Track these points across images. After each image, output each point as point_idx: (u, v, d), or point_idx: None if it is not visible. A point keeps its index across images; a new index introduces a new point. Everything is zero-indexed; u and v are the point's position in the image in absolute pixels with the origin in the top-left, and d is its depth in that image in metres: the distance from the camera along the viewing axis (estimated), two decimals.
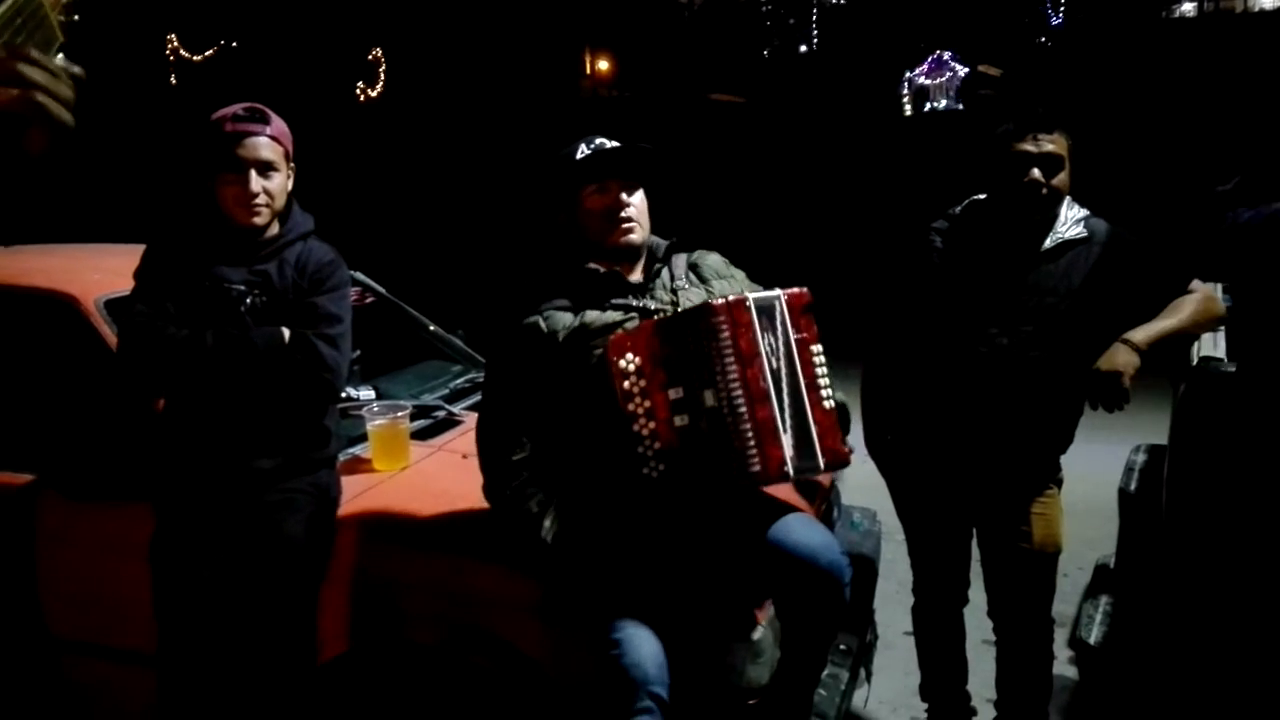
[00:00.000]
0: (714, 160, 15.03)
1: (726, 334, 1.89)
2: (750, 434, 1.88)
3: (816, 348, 2.01)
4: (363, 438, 2.54)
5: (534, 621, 2.00)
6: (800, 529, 1.96)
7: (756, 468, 1.88)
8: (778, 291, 2.00)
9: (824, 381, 2.01)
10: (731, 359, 1.89)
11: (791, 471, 1.92)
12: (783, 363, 1.95)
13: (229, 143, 2.13)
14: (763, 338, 1.93)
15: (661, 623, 1.91)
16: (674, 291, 2.11)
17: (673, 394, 1.92)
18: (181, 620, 2.11)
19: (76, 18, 0.94)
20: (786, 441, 1.92)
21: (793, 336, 1.98)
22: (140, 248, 2.24)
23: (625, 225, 2.07)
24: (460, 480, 2.31)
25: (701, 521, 2.00)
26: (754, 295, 1.97)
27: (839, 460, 2.02)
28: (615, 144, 2.09)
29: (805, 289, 2.04)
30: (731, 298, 1.93)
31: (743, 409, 1.88)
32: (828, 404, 2.01)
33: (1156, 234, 2.36)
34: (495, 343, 2.14)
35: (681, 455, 1.91)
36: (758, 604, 2.10)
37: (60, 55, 0.91)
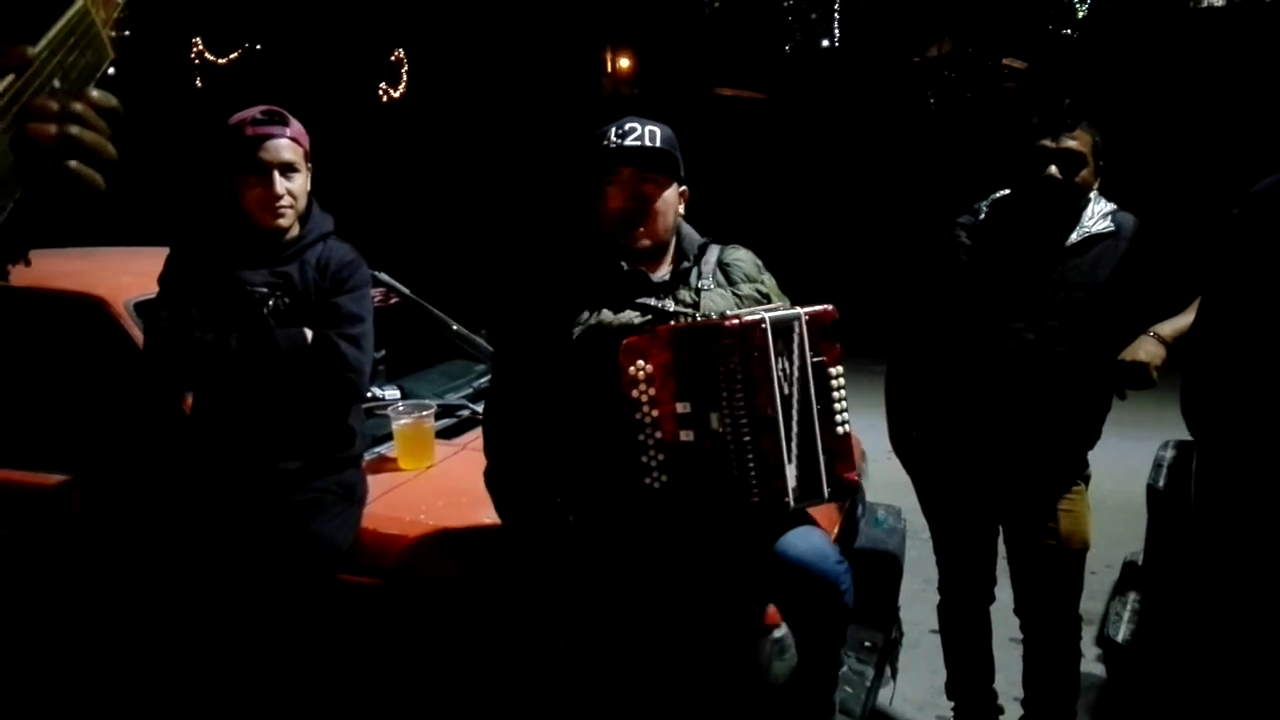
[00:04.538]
0: (735, 157, 14.99)
1: (736, 358, 1.83)
2: (752, 463, 1.84)
3: (835, 369, 1.94)
4: (388, 437, 2.57)
5: (557, 618, 2.01)
6: (796, 539, 1.93)
7: (756, 498, 1.85)
8: (798, 311, 1.92)
9: (839, 406, 1.95)
10: (739, 384, 1.83)
11: (792, 502, 1.88)
12: (795, 388, 1.88)
13: (251, 146, 2.14)
14: (776, 362, 1.85)
15: (674, 618, 1.92)
16: (697, 291, 2.03)
17: (680, 407, 1.87)
18: (211, 620, 2.13)
19: (128, 33, 0.94)
20: (790, 472, 1.87)
21: (810, 360, 1.90)
22: (167, 250, 2.26)
23: (634, 229, 1.98)
24: None
25: (704, 530, 1.96)
26: (772, 315, 1.87)
27: (845, 489, 1.97)
28: (638, 131, 1.97)
29: (831, 306, 1.95)
30: (747, 318, 1.85)
31: (746, 437, 1.83)
32: (841, 429, 1.95)
33: (1184, 228, 2.33)
34: (507, 328, 2.09)
35: (684, 470, 1.88)
36: (768, 603, 2.09)
37: (111, 70, 0.91)
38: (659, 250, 2.06)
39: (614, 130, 1.99)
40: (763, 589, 2.02)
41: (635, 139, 1.96)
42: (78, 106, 0.83)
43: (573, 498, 2.04)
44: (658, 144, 1.98)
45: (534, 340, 2.00)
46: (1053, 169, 2.23)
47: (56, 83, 0.83)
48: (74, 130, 0.82)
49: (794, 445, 1.88)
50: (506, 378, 2.09)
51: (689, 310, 2.00)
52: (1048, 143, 2.24)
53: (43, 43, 0.83)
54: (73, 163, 0.82)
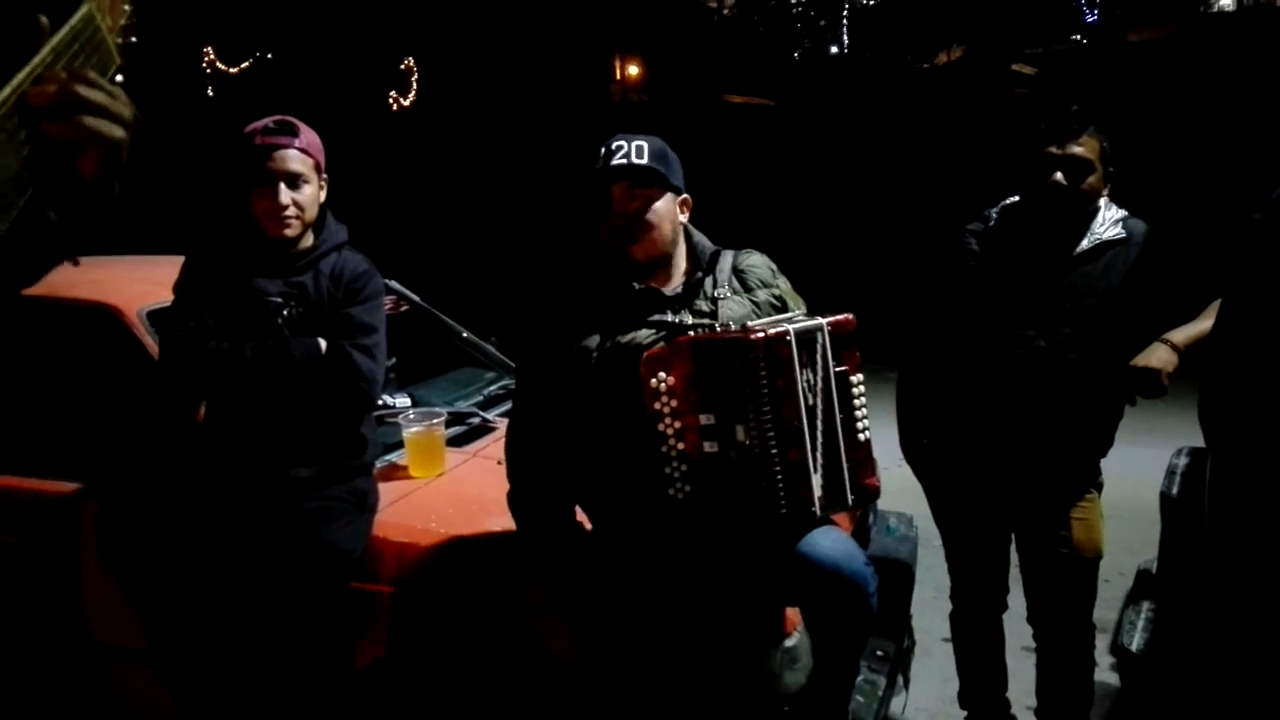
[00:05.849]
0: (745, 164, 15.00)
1: (763, 372, 1.82)
2: (780, 475, 1.84)
3: (856, 378, 1.95)
4: (399, 445, 2.57)
5: (567, 624, 2.01)
6: (824, 539, 1.93)
7: (783, 509, 1.85)
8: (820, 321, 1.92)
9: (861, 414, 1.96)
10: (766, 397, 1.82)
11: (819, 512, 1.89)
12: (820, 399, 1.89)
13: (259, 156, 2.16)
14: (801, 374, 1.85)
15: (693, 628, 1.91)
16: (713, 300, 2.02)
17: (704, 419, 1.87)
18: (219, 628, 2.13)
19: (134, 39, 0.94)
20: (816, 481, 1.88)
21: (833, 370, 1.91)
22: (181, 259, 2.28)
23: (631, 244, 1.98)
24: (495, 486, 2.31)
25: (728, 539, 1.96)
26: (795, 326, 1.87)
27: (867, 496, 1.98)
28: (625, 149, 1.99)
29: (850, 315, 1.96)
30: (771, 331, 1.84)
31: (774, 450, 1.83)
32: (862, 436, 1.96)
33: (1195, 234, 2.33)
34: (527, 354, 2.11)
35: (709, 480, 1.88)
36: (787, 606, 2.08)
37: (120, 77, 0.92)
38: (662, 261, 2.05)
39: (602, 152, 2.00)
40: (784, 592, 2.01)
41: (621, 157, 1.97)
42: (86, 71, 0.85)
43: (595, 512, 2.05)
44: (644, 159, 1.97)
45: (552, 366, 2.01)
46: (1058, 175, 2.23)
47: None
48: (78, 88, 0.83)
49: (819, 455, 1.89)
50: (527, 403, 2.10)
51: (706, 321, 1.99)
52: (1053, 149, 2.24)
53: (46, 48, 0.84)
54: (86, 119, 0.83)
